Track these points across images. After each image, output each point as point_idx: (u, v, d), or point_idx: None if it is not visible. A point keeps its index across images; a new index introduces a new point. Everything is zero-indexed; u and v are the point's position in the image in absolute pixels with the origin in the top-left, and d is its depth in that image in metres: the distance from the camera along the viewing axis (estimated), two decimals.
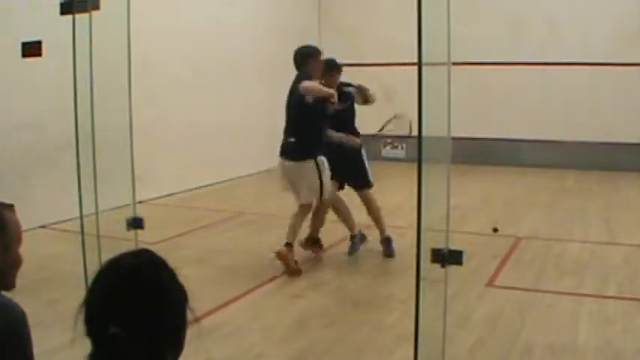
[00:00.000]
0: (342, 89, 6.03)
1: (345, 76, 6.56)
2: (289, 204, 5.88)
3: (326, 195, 5.63)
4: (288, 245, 5.57)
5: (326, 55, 6.12)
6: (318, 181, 5.54)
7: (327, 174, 5.61)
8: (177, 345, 1.37)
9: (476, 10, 10.78)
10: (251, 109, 10.82)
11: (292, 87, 5.64)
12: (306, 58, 5.67)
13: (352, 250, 6.10)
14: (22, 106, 6.65)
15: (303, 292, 5.14)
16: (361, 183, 6.18)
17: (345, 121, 6.17)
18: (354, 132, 6.36)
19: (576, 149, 10.81)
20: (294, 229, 5.66)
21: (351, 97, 6.18)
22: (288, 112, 5.76)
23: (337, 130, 6.01)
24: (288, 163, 5.70)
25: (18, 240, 1.83)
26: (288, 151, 5.70)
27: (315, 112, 5.53)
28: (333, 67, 5.93)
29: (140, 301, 1.32)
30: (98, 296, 1.34)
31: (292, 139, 5.66)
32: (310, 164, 5.56)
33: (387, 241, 6.10)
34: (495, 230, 6.65)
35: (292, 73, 5.78)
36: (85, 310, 1.34)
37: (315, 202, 5.81)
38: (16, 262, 1.81)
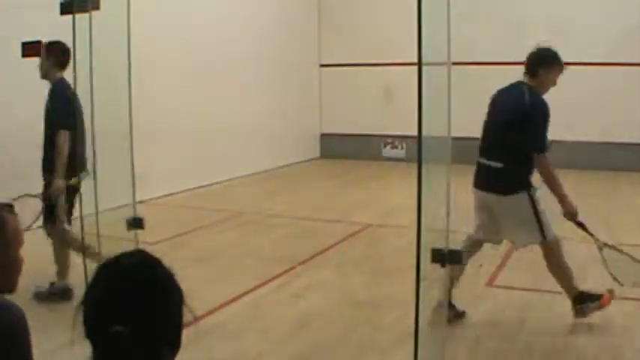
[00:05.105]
0: None
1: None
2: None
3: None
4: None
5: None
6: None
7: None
8: (175, 343, 1.38)
9: (476, 10, 10.77)
10: (251, 109, 10.82)
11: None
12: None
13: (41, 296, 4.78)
14: (22, 106, 6.65)
15: (303, 292, 5.13)
16: None
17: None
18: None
19: (576, 149, 10.82)
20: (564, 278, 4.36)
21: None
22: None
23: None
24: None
25: (17, 242, 1.81)
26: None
27: None
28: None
29: (139, 300, 1.32)
30: (97, 297, 1.34)
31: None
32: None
33: None
34: None
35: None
36: (83, 311, 1.34)
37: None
38: (16, 265, 1.79)
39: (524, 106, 4.18)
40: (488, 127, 4.46)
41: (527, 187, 4.22)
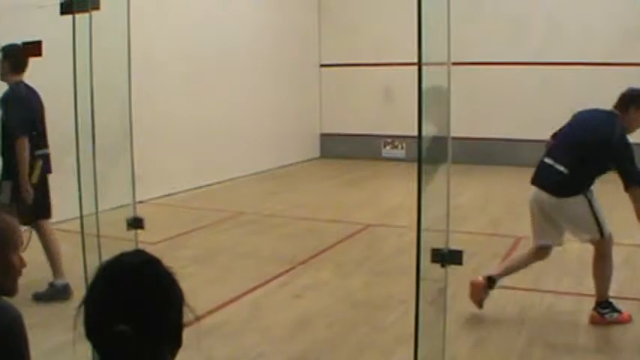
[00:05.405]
0: None
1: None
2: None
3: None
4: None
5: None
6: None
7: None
8: (176, 342, 1.39)
9: (476, 10, 10.80)
10: (251, 109, 10.83)
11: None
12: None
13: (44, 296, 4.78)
14: None
15: (303, 292, 5.14)
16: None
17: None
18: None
19: None
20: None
21: None
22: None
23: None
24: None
25: (14, 245, 1.78)
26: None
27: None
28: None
29: (140, 300, 1.33)
30: (98, 297, 1.34)
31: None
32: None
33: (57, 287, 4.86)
34: None
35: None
36: (85, 311, 1.34)
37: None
38: (12, 268, 1.77)
39: (614, 132, 4.22)
40: (564, 136, 4.50)
41: (584, 191, 4.30)
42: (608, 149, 4.19)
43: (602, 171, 4.27)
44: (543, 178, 4.43)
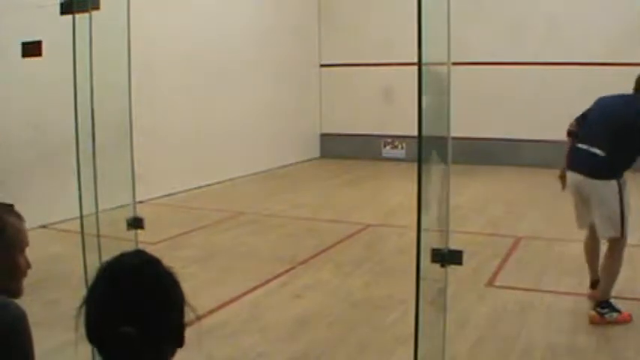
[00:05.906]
0: None
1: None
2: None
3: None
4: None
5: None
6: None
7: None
8: (178, 341, 1.39)
9: (476, 10, 10.79)
10: (251, 109, 10.83)
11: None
12: None
13: None
14: (22, 106, 6.66)
15: (303, 291, 5.14)
16: None
17: None
18: None
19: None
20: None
21: None
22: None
23: None
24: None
25: (20, 246, 1.77)
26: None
27: None
28: None
29: (142, 300, 1.33)
30: (99, 298, 1.34)
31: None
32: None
33: None
34: None
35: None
36: (86, 313, 1.34)
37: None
38: (18, 269, 1.76)
39: (639, 113, 4.31)
40: (593, 121, 4.54)
41: (618, 176, 4.35)
42: (636, 129, 4.24)
43: (633, 157, 4.31)
44: (579, 162, 4.50)
